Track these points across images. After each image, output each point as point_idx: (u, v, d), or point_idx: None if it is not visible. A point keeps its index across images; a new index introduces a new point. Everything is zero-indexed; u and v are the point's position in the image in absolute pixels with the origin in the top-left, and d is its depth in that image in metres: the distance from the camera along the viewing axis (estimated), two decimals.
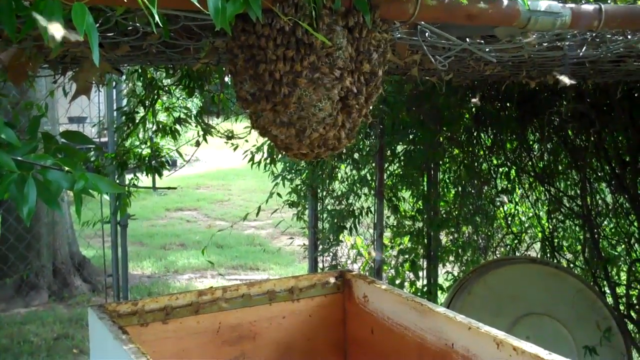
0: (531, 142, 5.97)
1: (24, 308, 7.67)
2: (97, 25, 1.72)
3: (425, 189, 5.82)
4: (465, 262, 6.00)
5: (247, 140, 4.54)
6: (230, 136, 4.37)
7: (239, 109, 4.22)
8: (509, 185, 6.11)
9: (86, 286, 8.30)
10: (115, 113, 4.81)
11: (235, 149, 4.63)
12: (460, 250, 5.95)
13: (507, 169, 6.06)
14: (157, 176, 4.45)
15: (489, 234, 6.26)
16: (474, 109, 5.71)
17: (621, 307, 5.26)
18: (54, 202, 1.48)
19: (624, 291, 5.41)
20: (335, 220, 5.66)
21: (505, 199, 4.09)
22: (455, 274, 6.00)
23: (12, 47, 2.04)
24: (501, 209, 6.21)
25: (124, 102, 4.82)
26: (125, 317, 2.50)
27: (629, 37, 2.29)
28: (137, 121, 4.28)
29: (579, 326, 4.57)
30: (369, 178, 5.61)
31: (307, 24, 1.67)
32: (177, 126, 4.39)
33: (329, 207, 5.87)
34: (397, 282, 5.65)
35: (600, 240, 5.62)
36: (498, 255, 6.21)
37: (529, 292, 4.63)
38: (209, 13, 1.40)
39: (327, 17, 1.72)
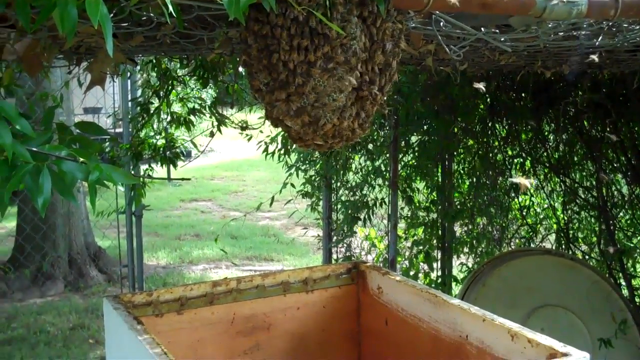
0: (546, 133, 5.93)
1: (40, 298, 7.74)
2: (111, 15, 1.72)
3: (440, 179, 5.81)
4: (479, 253, 5.98)
5: (261, 131, 4.54)
6: (244, 127, 4.37)
7: (253, 99, 4.22)
8: (523, 176, 6.09)
9: (102, 276, 8.36)
10: (130, 104, 4.82)
11: (249, 139, 4.63)
12: (474, 242, 5.93)
13: (522, 159, 6.03)
14: (171, 167, 4.46)
15: (504, 225, 6.23)
16: (488, 99, 5.69)
17: (637, 300, 5.23)
18: (68, 193, 1.48)
19: None
20: (350, 211, 5.65)
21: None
22: (470, 265, 5.98)
23: (27, 37, 2.05)
24: (516, 199, 6.19)
25: (139, 92, 4.83)
26: (140, 307, 2.51)
27: None
28: (151, 112, 4.29)
29: (594, 318, 4.55)
30: (383, 169, 5.59)
31: (321, 13, 1.66)
32: (192, 117, 4.40)
33: (342, 198, 5.87)
34: (412, 273, 5.64)
35: (616, 231, 5.58)
36: (513, 247, 6.18)
37: (543, 284, 4.61)
38: (222, 3, 1.39)
39: (341, 6, 1.71)
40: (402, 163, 5.71)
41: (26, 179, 1.41)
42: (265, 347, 2.80)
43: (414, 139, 5.72)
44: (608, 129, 5.23)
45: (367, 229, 5.96)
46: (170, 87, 4.19)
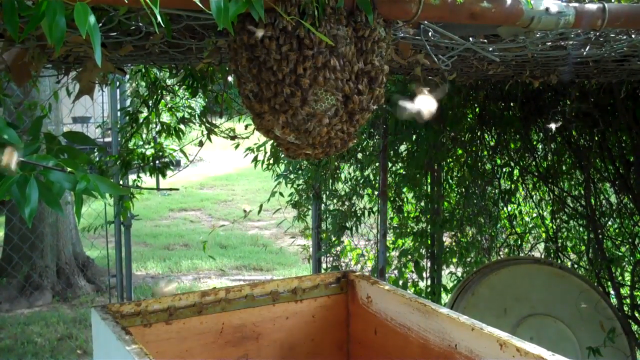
0: (535, 142, 5.95)
1: (27, 308, 7.68)
2: (100, 25, 1.71)
3: (429, 189, 5.81)
4: (468, 262, 5.99)
5: (248, 137, 4.53)
6: (233, 136, 4.37)
7: (242, 108, 4.21)
8: (512, 186, 6.10)
9: (90, 286, 8.31)
10: (119, 113, 4.80)
11: (236, 147, 4.62)
12: (463, 251, 5.94)
13: (510, 169, 6.04)
14: (160, 176, 4.45)
15: (493, 234, 6.24)
16: (477, 109, 5.70)
17: (625, 308, 5.24)
18: (55, 203, 1.47)
19: (628, 292, 5.40)
20: (338, 221, 5.65)
21: None
22: (459, 274, 5.99)
23: (15, 47, 2.04)
24: (505, 209, 6.20)
25: (128, 102, 4.82)
26: (128, 317, 2.50)
27: (633, 36, 2.28)
28: (140, 121, 4.28)
29: (583, 327, 4.56)
30: (372, 178, 5.59)
31: (310, 23, 1.67)
32: (181, 126, 4.39)
33: (330, 208, 5.87)
34: (400, 282, 5.64)
35: (604, 240, 5.60)
36: (502, 256, 6.19)
37: (532, 293, 4.62)
38: (211, 13, 1.39)
39: (330, 16, 1.72)
40: (391, 172, 5.71)
41: (13, 189, 1.40)
42: (254, 357, 2.80)
43: (402, 148, 5.72)
44: (596, 138, 5.25)
45: (356, 239, 5.96)
46: (159, 97, 4.19)
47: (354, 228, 5.60)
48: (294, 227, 6.15)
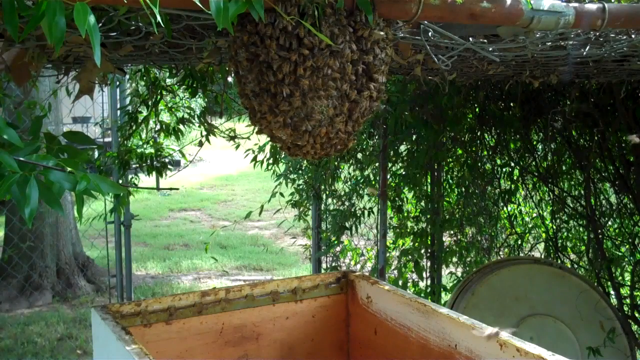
0: (535, 142, 5.95)
1: (27, 308, 7.68)
2: (100, 25, 1.71)
3: (429, 189, 5.81)
4: (468, 262, 5.99)
5: (249, 138, 4.53)
6: (233, 136, 4.36)
7: (242, 108, 4.21)
8: (512, 186, 6.10)
9: (90, 287, 8.31)
10: (118, 113, 4.80)
11: (237, 147, 4.62)
12: (463, 251, 5.93)
13: (510, 169, 6.04)
14: (160, 176, 4.44)
15: (493, 234, 6.24)
16: (477, 109, 5.70)
17: (625, 308, 5.24)
18: (56, 203, 1.47)
19: (628, 292, 5.40)
20: (337, 220, 5.65)
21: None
22: (459, 274, 5.98)
23: (15, 47, 2.04)
24: (504, 209, 6.20)
25: (127, 101, 4.82)
26: (128, 317, 2.50)
27: (633, 36, 2.28)
28: (139, 121, 4.28)
29: (583, 327, 4.56)
30: (372, 178, 5.59)
31: (309, 23, 1.67)
32: (181, 126, 4.39)
33: (330, 208, 5.86)
34: (400, 282, 5.64)
35: (604, 240, 5.60)
36: (502, 256, 6.19)
37: (532, 293, 4.62)
38: (211, 13, 1.39)
39: (330, 16, 1.72)
40: (391, 172, 5.70)
41: (13, 189, 1.40)
42: (254, 357, 2.80)
43: (402, 148, 5.72)
44: (596, 138, 5.25)
45: (356, 239, 5.96)
46: (158, 97, 4.18)
47: (353, 228, 5.60)
48: (294, 227, 6.15)
